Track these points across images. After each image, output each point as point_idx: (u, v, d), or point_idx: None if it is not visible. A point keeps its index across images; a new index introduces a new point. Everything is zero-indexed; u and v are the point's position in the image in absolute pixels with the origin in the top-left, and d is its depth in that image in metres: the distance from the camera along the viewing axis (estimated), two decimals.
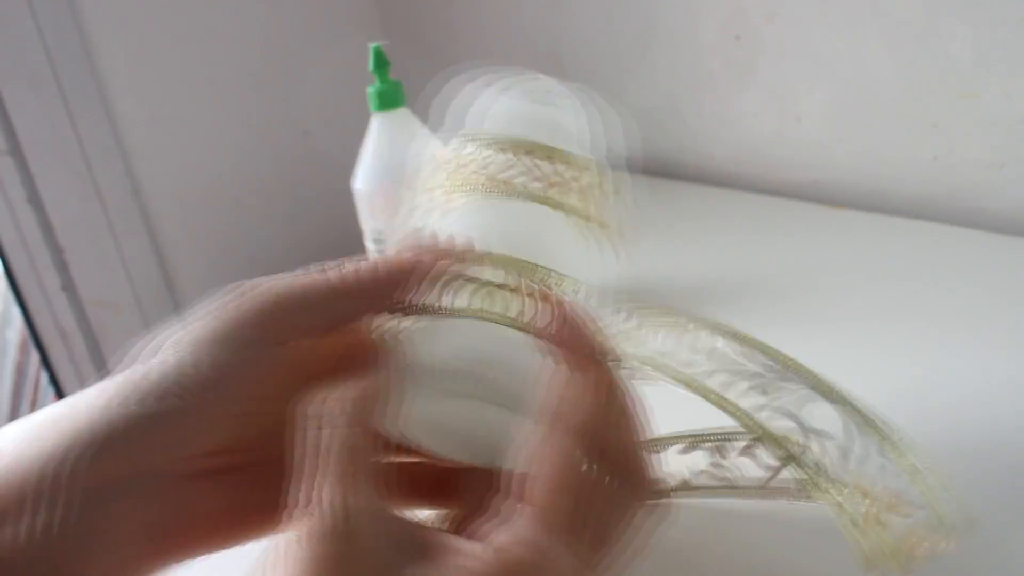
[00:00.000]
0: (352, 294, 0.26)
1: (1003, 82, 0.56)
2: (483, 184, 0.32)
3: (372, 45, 0.51)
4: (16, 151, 0.82)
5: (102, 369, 0.89)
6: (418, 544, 0.23)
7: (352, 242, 0.70)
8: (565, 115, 0.35)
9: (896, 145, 0.63)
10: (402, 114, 0.52)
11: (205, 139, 0.92)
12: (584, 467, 0.23)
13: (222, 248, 0.94)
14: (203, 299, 0.25)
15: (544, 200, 0.31)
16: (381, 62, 0.51)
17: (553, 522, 0.22)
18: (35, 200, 0.84)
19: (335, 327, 0.26)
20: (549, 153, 0.32)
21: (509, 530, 0.22)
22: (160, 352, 0.25)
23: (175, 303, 0.91)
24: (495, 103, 0.36)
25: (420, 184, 0.36)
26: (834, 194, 0.68)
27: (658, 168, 0.79)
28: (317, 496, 0.21)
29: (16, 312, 1.02)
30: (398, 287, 0.27)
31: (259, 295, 0.25)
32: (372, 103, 0.51)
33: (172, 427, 0.23)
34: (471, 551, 0.22)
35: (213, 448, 0.24)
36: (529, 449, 0.23)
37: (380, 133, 0.52)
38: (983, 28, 0.55)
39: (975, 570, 0.31)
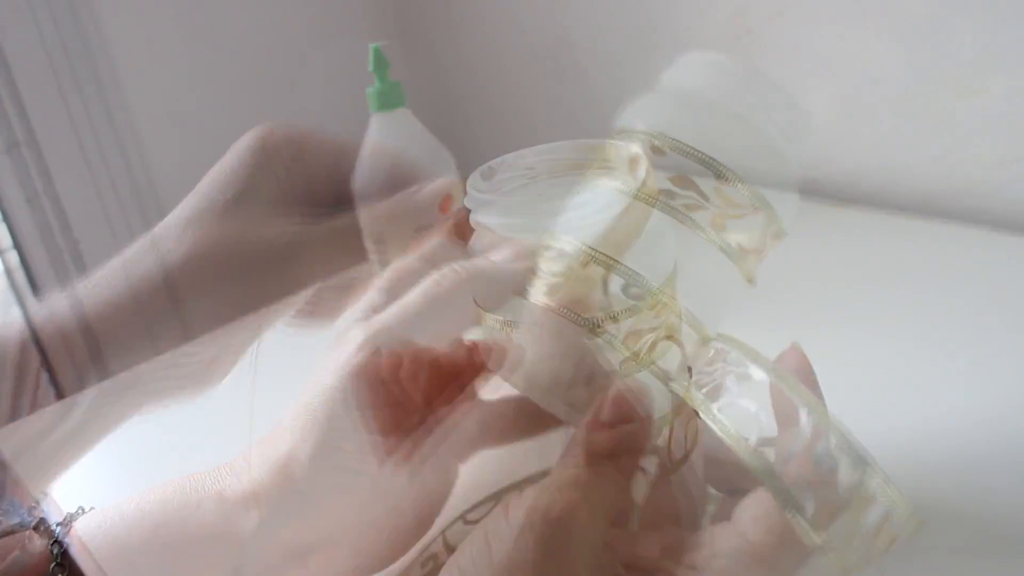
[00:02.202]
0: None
1: (1009, 80, 0.55)
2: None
3: (372, 45, 0.50)
4: (32, 144, 0.82)
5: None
6: None
7: None
8: (761, 116, 0.33)
9: (902, 142, 0.63)
10: (402, 114, 0.51)
11: (204, 139, 0.92)
12: None
13: None
14: None
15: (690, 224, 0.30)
16: (381, 62, 0.50)
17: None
18: (34, 200, 0.84)
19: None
20: (718, 170, 0.30)
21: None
22: None
23: None
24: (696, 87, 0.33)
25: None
26: (839, 191, 0.67)
27: None
28: None
29: (16, 312, 1.02)
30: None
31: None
32: (372, 103, 0.51)
33: None
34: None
35: None
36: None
37: (380, 133, 0.52)
38: (989, 26, 0.55)
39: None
